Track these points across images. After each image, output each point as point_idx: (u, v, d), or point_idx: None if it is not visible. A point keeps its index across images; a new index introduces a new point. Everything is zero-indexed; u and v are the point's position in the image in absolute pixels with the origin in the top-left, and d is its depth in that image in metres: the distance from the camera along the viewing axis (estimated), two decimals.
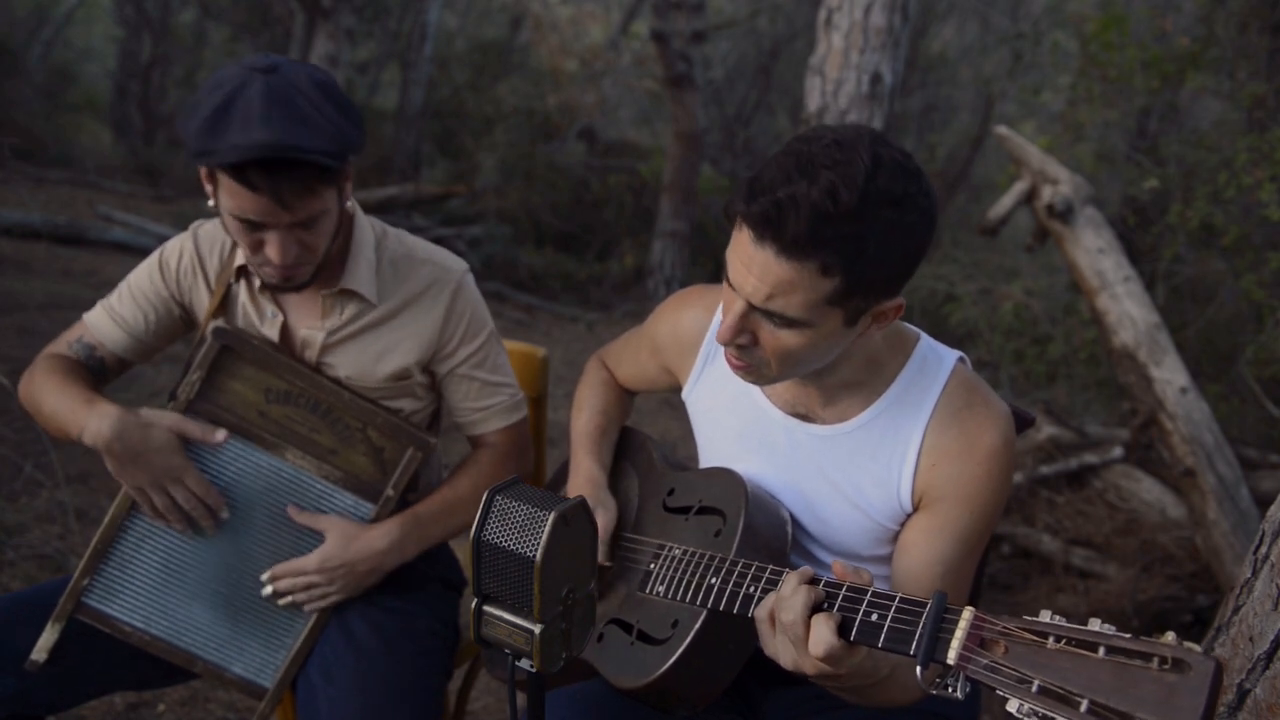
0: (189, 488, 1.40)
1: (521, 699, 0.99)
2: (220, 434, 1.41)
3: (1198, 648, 0.76)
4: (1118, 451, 3.60)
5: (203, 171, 1.35)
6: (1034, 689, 0.80)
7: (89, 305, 1.57)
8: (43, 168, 8.75)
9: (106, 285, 1.61)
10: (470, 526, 1.57)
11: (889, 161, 1.05)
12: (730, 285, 1.13)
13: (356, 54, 10.21)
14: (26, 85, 10.81)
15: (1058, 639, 0.81)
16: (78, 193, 8.29)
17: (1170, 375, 3.10)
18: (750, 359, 1.16)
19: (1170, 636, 0.78)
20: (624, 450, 1.57)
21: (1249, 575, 1.23)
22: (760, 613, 1.04)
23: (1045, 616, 0.84)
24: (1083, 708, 0.77)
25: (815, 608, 0.98)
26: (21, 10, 12.48)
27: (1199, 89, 4.99)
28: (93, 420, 1.36)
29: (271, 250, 1.35)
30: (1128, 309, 3.19)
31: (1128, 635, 0.79)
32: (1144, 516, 3.43)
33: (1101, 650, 0.79)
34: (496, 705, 2.50)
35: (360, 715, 1.36)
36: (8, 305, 4.74)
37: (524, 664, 0.93)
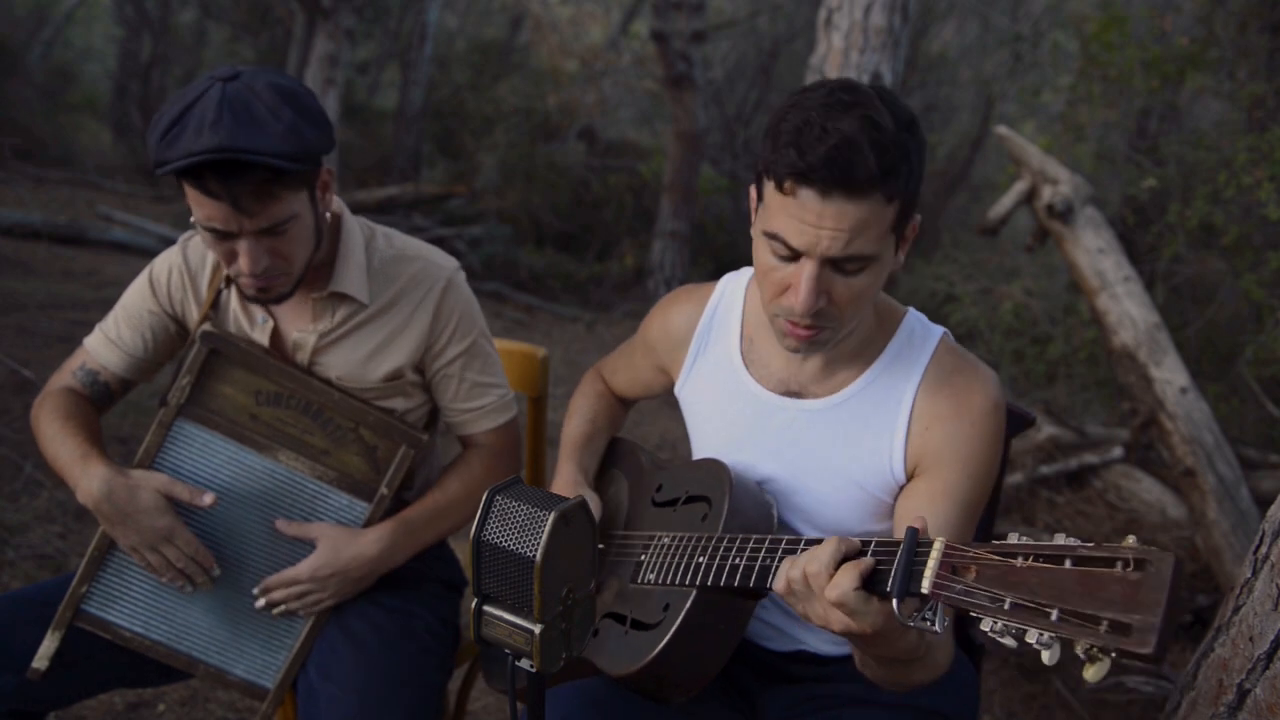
0: (179, 548, 1.40)
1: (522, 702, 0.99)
2: (208, 498, 1.40)
3: (1157, 548, 0.79)
4: (1118, 451, 3.61)
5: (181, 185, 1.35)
6: (1006, 606, 0.83)
7: (89, 305, 1.57)
8: (43, 168, 8.75)
9: (107, 285, 1.61)
10: (461, 528, 1.58)
11: (884, 91, 1.12)
12: (790, 251, 1.11)
13: (356, 54, 10.19)
14: (26, 85, 10.80)
15: (1025, 557, 0.84)
16: (78, 193, 8.29)
17: (1170, 375, 3.10)
18: (823, 321, 1.15)
19: (1131, 540, 0.80)
20: (613, 458, 1.59)
21: (1249, 575, 1.23)
22: (779, 584, 1.04)
23: (1013, 538, 0.87)
24: (1053, 616, 0.79)
25: (845, 558, 0.98)
26: (21, 10, 12.47)
27: (1199, 89, 4.99)
28: (83, 480, 1.38)
29: (242, 260, 1.34)
30: (1128, 309, 3.19)
31: (1091, 544, 0.82)
32: (1144, 516, 3.44)
33: (1068, 562, 0.81)
34: (497, 705, 2.50)
35: (359, 713, 1.36)
36: (8, 305, 4.73)
37: (524, 664, 0.94)
